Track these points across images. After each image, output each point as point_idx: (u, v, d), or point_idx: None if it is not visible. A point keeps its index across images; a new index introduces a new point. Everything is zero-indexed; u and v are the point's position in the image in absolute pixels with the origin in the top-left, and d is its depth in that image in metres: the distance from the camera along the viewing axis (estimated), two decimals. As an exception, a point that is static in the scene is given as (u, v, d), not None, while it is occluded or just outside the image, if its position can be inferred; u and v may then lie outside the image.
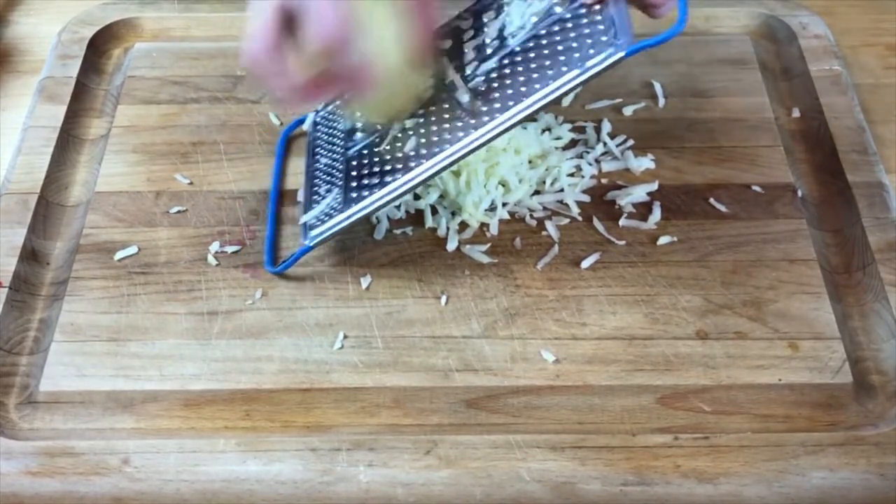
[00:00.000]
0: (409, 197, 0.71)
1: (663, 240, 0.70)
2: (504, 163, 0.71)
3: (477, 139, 0.63)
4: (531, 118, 0.63)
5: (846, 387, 0.62)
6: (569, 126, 0.76)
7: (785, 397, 0.62)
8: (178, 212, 0.72)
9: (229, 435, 0.60)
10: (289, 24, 0.58)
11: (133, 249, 0.69)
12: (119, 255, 0.69)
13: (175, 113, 0.79)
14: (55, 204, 0.73)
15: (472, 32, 0.67)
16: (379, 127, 0.68)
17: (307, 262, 0.68)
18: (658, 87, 0.79)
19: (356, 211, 0.65)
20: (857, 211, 0.70)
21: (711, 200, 0.72)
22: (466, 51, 0.67)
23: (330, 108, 0.74)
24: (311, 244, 0.66)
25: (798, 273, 0.68)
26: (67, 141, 0.77)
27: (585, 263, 0.68)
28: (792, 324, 0.65)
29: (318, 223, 0.66)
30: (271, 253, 0.69)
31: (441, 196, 0.71)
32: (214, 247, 0.69)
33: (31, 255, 0.69)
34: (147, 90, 0.81)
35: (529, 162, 0.73)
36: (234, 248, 0.70)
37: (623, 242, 0.69)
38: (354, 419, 0.61)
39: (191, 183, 0.74)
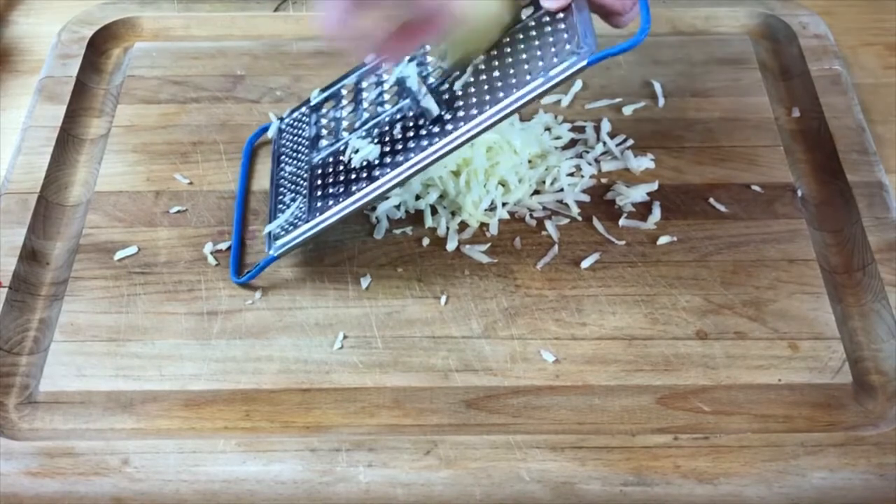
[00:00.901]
0: (409, 197, 0.71)
1: (663, 240, 0.70)
2: (504, 163, 0.71)
3: (441, 148, 0.63)
4: (498, 124, 0.63)
5: (846, 387, 0.62)
6: (568, 126, 0.76)
7: (785, 397, 0.62)
8: (178, 212, 0.72)
9: (229, 435, 0.60)
10: None
11: (133, 249, 0.69)
12: (119, 255, 0.69)
13: (175, 112, 0.79)
14: (55, 204, 0.73)
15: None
16: (345, 134, 0.68)
17: (307, 262, 0.68)
18: (658, 87, 0.79)
19: (321, 220, 0.65)
20: (856, 211, 0.70)
21: (711, 200, 0.72)
22: (432, 59, 0.67)
23: (295, 115, 0.74)
24: (276, 254, 0.66)
25: (798, 273, 0.68)
26: (67, 141, 0.77)
27: (585, 263, 0.68)
28: (792, 324, 0.65)
29: (283, 233, 0.66)
30: (236, 263, 0.68)
31: (441, 196, 0.71)
32: (208, 247, 0.69)
33: (30, 255, 0.69)
34: (147, 90, 0.81)
35: (529, 162, 0.73)
36: (234, 248, 0.70)
37: (623, 242, 0.69)
38: (354, 419, 0.61)
39: (190, 183, 0.74)
